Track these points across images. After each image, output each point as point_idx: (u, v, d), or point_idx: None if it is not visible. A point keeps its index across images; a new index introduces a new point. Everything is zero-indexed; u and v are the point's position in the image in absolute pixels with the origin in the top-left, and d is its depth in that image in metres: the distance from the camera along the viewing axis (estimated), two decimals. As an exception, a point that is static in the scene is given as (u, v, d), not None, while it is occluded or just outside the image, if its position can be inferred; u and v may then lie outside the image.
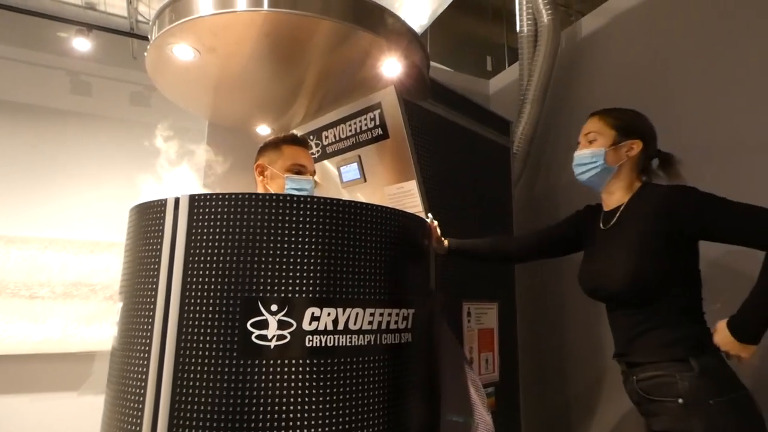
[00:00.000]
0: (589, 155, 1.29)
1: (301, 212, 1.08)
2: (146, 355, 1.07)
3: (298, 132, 1.93)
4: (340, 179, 1.80)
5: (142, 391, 1.05)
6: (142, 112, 3.28)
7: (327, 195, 1.88)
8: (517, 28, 2.30)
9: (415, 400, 1.22)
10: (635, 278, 1.17)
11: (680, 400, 1.10)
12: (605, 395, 1.93)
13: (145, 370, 1.06)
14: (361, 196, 1.78)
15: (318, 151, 1.86)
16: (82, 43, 2.74)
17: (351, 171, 1.75)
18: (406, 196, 1.61)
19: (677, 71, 1.85)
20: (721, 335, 1.08)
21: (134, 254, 1.19)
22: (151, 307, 1.09)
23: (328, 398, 1.03)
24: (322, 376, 1.03)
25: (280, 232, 1.06)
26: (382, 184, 1.68)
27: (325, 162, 1.86)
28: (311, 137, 1.87)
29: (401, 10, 3.08)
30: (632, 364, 1.21)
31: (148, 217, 1.16)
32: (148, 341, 1.07)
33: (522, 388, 1.86)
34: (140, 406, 1.05)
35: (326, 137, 1.81)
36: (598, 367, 1.99)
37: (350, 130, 1.71)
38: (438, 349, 1.37)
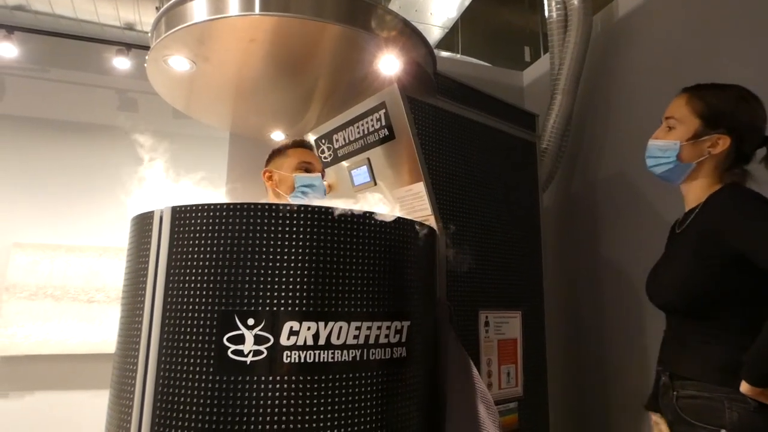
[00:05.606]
0: (660, 146, 1.10)
1: (280, 222, 1.04)
2: (134, 368, 1.07)
3: (312, 136, 1.90)
4: (351, 183, 1.75)
5: (130, 399, 1.05)
6: (183, 124, 3.42)
7: (342, 199, 1.85)
8: (546, 14, 2.14)
9: (414, 421, 1.14)
10: (685, 290, 1.04)
11: (723, 431, 0.95)
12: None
13: (133, 382, 1.06)
14: (373, 199, 1.72)
15: (330, 155, 1.82)
16: (122, 62, 2.90)
17: (361, 174, 1.69)
18: (416, 199, 1.53)
19: (731, 51, 1.63)
20: (743, 385, 0.91)
21: (130, 266, 1.20)
22: (140, 320, 1.09)
23: (308, 418, 0.98)
24: (301, 394, 0.98)
25: (258, 242, 1.02)
26: (392, 187, 1.61)
27: (343, 163, 1.81)
28: (323, 141, 1.84)
29: (428, 4, 3.00)
30: (676, 377, 1.06)
31: (141, 229, 1.17)
32: (136, 353, 1.07)
33: (552, 404, 1.71)
34: (129, 417, 1.05)
35: (337, 140, 1.77)
36: (642, 380, 1.80)
37: (358, 132, 1.66)
38: (444, 362, 1.28)
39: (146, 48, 3.08)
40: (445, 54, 3.42)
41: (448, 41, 3.53)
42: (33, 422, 3.00)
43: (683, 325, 1.07)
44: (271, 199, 1.61)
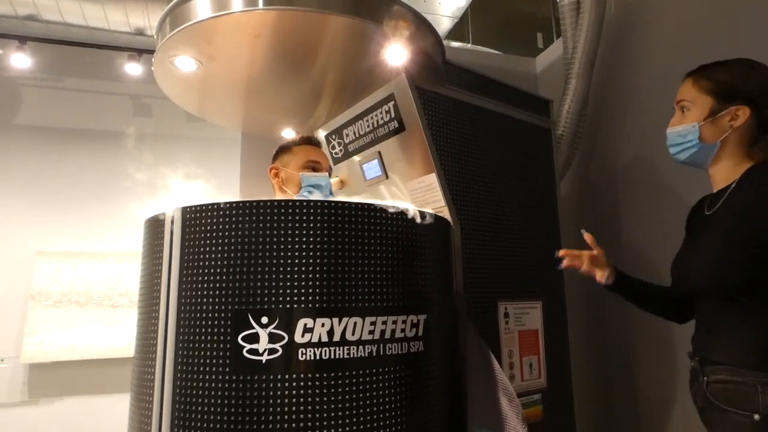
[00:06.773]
0: (679, 132, 1.07)
1: (290, 218, 1.02)
2: (152, 369, 1.07)
3: (322, 132, 1.89)
4: (363, 177, 1.73)
5: (150, 400, 1.05)
6: (196, 127, 3.44)
7: (353, 194, 1.83)
8: (557, -4, 2.09)
9: (434, 416, 1.12)
10: (717, 272, 1.00)
11: (756, 417, 0.91)
12: (679, 402, 1.69)
13: (151, 384, 1.06)
14: (386, 193, 1.70)
15: (341, 150, 1.80)
16: (134, 68, 2.92)
17: (373, 168, 1.67)
18: (428, 191, 1.50)
19: (750, 30, 1.55)
20: None
21: (145, 268, 1.20)
22: (156, 322, 1.08)
23: (326, 415, 0.96)
24: (318, 392, 0.97)
25: (268, 240, 1.01)
26: (404, 180, 1.58)
27: (354, 157, 1.79)
28: (333, 137, 1.82)
29: (436, -6, 2.95)
30: (705, 362, 1.03)
31: (153, 230, 1.16)
32: (153, 355, 1.07)
33: (577, 394, 1.67)
34: (149, 420, 1.05)
35: (347, 135, 1.75)
36: (668, 369, 1.74)
37: (368, 126, 1.63)
38: (463, 355, 1.25)
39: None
40: (455, 44, 3.37)
41: (458, 32, 3.48)
42: (63, 428, 3.06)
43: (714, 309, 1.03)
44: (278, 197, 1.60)
